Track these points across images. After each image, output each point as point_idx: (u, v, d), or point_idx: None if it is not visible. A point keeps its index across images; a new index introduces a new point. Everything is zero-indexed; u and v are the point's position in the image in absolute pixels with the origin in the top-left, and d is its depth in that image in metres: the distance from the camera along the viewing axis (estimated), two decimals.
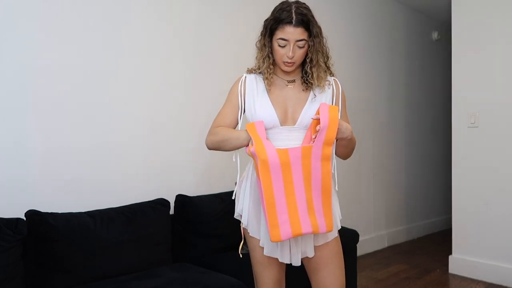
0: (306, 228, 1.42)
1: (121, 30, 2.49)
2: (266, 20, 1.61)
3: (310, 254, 1.58)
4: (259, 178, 1.42)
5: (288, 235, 1.41)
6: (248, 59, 3.12)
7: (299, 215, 1.41)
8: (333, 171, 1.61)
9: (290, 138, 1.58)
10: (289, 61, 1.56)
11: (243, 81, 1.67)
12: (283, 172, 1.41)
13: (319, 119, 1.43)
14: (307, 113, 1.58)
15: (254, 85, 1.65)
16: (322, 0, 3.71)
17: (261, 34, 1.63)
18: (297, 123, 1.59)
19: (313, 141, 1.45)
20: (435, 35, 5.10)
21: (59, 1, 2.24)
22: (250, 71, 1.70)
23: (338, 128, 1.44)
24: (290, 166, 1.42)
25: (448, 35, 4.38)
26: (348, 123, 1.64)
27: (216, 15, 2.95)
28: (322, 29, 1.61)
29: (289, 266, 1.69)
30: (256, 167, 1.45)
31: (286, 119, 1.60)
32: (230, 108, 1.67)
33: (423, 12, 4.88)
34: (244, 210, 1.64)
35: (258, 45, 1.65)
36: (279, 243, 1.55)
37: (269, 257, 1.62)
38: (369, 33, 4.23)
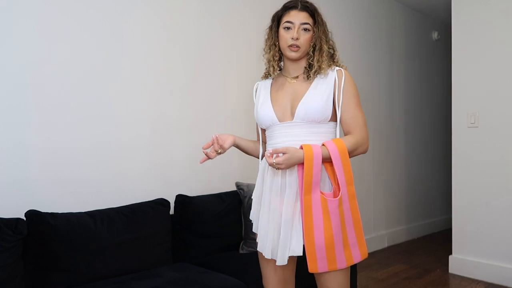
0: (340, 264, 1.53)
1: (121, 29, 2.48)
2: (274, 14, 1.70)
3: (299, 252, 1.55)
4: (302, 211, 1.52)
5: (325, 269, 1.52)
6: (247, 59, 3.14)
7: (336, 253, 1.52)
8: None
9: (289, 135, 1.59)
10: (294, 43, 1.58)
11: (255, 90, 1.79)
12: (324, 217, 1.51)
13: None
14: (305, 105, 1.57)
15: (263, 89, 1.74)
16: (320, 1, 3.71)
17: (269, 28, 1.70)
18: (294, 117, 1.58)
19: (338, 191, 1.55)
20: (435, 35, 5.10)
21: (60, 0, 2.24)
22: (263, 77, 1.78)
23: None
24: (329, 214, 1.51)
25: (448, 35, 4.38)
26: (357, 115, 1.59)
27: (216, 15, 2.95)
28: (327, 25, 1.67)
29: (299, 267, 1.72)
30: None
31: (286, 114, 1.61)
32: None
33: (422, 12, 4.88)
34: (255, 218, 1.71)
35: (265, 37, 1.72)
36: (260, 238, 1.62)
37: None
38: (369, 33, 4.23)
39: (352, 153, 1.57)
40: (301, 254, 1.54)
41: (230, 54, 3.03)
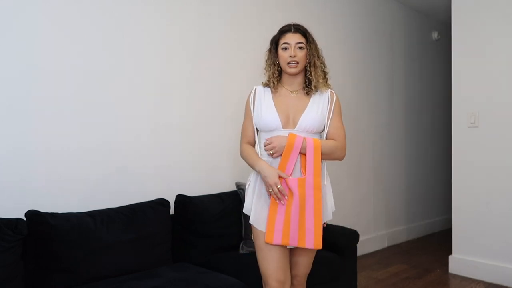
0: (292, 241, 1.76)
1: (123, 30, 2.49)
2: (271, 38, 1.93)
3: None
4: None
5: (278, 242, 1.76)
6: (248, 60, 3.14)
7: (290, 231, 1.75)
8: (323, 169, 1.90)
9: None
10: (292, 60, 1.83)
11: (253, 92, 1.96)
12: (288, 199, 1.76)
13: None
14: (306, 117, 1.83)
15: (262, 94, 1.92)
16: (321, 0, 3.71)
17: (268, 50, 1.94)
18: (297, 126, 1.83)
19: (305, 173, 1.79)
20: (435, 35, 5.10)
21: (61, 2, 2.24)
22: (264, 85, 1.95)
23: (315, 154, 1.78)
24: (292, 193, 1.75)
25: (448, 35, 4.38)
26: (340, 127, 1.89)
27: (217, 15, 2.95)
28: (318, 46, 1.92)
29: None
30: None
31: (288, 122, 1.85)
32: (247, 121, 1.96)
33: (423, 12, 4.88)
34: (248, 205, 1.88)
35: (265, 58, 1.95)
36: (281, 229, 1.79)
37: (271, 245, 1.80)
38: (369, 33, 4.23)
39: (330, 155, 1.85)
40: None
41: (231, 55, 3.02)
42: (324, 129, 1.89)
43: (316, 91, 1.89)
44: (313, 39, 1.89)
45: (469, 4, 3.51)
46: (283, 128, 1.83)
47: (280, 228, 1.74)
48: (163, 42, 2.68)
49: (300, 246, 1.76)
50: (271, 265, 1.81)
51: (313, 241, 1.75)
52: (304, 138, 1.78)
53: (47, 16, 2.20)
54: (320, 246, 1.77)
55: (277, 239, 1.74)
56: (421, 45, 4.94)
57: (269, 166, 1.79)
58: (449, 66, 3.91)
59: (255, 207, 1.85)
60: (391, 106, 4.53)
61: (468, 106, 3.50)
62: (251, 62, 2.99)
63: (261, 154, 1.89)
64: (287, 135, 1.80)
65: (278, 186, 1.74)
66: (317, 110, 1.86)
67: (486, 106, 3.40)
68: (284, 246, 1.81)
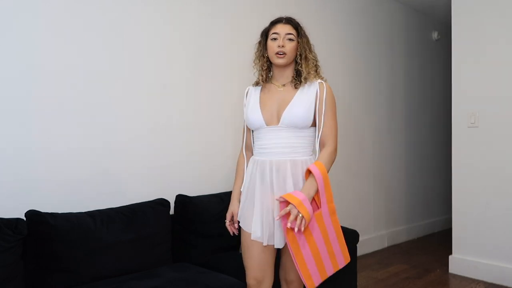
0: (329, 271, 1.76)
1: (122, 30, 2.49)
2: (262, 30, 1.89)
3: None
4: (288, 240, 1.68)
5: (319, 282, 1.73)
6: (249, 60, 3.13)
7: (324, 263, 1.73)
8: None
9: (276, 137, 1.78)
10: (280, 50, 1.76)
11: (246, 93, 1.96)
12: (306, 236, 1.69)
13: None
14: (290, 112, 1.75)
15: (253, 93, 1.91)
16: (321, 0, 3.71)
17: (258, 42, 1.90)
18: (280, 122, 1.77)
19: (320, 206, 1.73)
20: (435, 35, 5.10)
21: (60, 2, 2.24)
22: (254, 84, 1.94)
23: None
24: (310, 230, 1.69)
25: (448, 35, 4.38)
26: (333, 126, 1.79)
27: (217, 15, 2.95)
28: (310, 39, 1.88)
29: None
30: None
31: (272, 119, 1.80)
32: (245, 122, 1.96)
33: (423, 11, 4.89)
34: (242, 205, 1.88)
35: (255, 50, 1.92)
36: (263, 228, 1.76)
37: (256, 242, 1.79)
38: (369, 33, 4.23)
39: (329, 168, 1.76)
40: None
41: (231, 55, 3.02)
42: (309, 123, 1.78)
43: (306, 83, 1.80)
44: (304, 33, 1.84)
45: (469, 4, 3.51)
46: (266, 125, 1.79)
47: (314, 269, 1.71)
48: (163, 42, 2.68)
49: (335, 270, 1.78)
50: (249, 262, 1.81)
51: (343, 259, 1.81)
52: (310, 171, 1.68)
53: (47, 16, 2.20)
54: (349, 259, 1.82)
55: (317, 280, 1.72)
56: (421, 45, 4.94)
57: (235, 203, 1.90)
58: (449, 66, 3.91)
59: (243, 207, 1.86)
60: (391, 106, 4.53)
61: (468, 106, 3.51)
62: (251, 62, 2.98)
63: (254, 153, 1.90)
64: (272, 131, 1.77)
65: (226, 221, 1.93)
66: (304, 103, 1.76)
67: (486, 106, 3.40)
68: (269, 245, 1.79)
